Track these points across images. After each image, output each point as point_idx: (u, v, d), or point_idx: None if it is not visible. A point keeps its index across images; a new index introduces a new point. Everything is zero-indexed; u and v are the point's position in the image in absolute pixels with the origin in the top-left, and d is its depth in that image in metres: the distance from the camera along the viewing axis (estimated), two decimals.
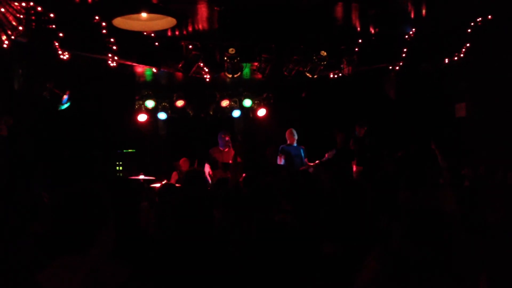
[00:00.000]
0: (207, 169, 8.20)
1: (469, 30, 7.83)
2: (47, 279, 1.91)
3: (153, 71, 8.53)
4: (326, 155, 8.51)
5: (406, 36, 8.17)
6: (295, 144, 8.58)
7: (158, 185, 8.31)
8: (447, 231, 2.20)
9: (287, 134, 8.64)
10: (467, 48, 8.34)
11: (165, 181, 7.20)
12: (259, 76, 8.68)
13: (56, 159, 8.06)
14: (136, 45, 7.66)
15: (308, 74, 8.58)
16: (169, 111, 10.39)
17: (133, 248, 2.76)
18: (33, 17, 5.84)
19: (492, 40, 7.82)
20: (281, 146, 8.55)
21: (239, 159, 7.31)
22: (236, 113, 10.76)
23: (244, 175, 7.75)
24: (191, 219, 2.76)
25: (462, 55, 8.47)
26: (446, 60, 8.76)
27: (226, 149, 8.26)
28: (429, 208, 2.31)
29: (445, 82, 9.24)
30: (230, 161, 8.14)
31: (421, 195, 4.10)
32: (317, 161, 8.53)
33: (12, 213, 3.44)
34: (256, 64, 8.46)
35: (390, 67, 9.06)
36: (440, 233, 2.18)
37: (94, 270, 1.91)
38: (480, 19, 7.54)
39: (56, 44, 6.58)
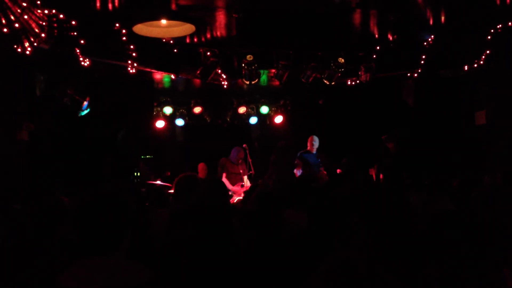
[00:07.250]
0: (224, 179, 8.25)
1: (489, 37, 7.74)
2: (68, 280, 1.93)
3: (171, 78, 8.60)
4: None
5: (425, 43, 8.09)
6: (314, 152, 8.49)
7: None
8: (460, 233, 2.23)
9: (308, 141, 8.56)
10: (487, 55, 8.24)
11: None
12: (277, 83, 8.66)
13: (75, 164, 8.14)
14: (155, 52, 7.73)
15: (325, 81, 8.53)
16: (187, 118, 10.47)
17: (145, 251, 2.77)
18: (55, 24, 5.91)
19: None
20: (300, 152, 8.47)
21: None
22: (253, 120, 10.78)
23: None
24: (208, 227, 2.76)
25: (482, 62, 8.37)
26: (466, 67, 8.67)
27: (240, 161, 8.47)
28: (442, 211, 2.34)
29: (464, 89, 9.13)
30: (241, 170, 8.32)
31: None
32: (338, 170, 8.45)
33: (33, 217, 3.47)
34: (273, 71, 8.44)
35: (409, 74, 8.98)
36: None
37: (115, 272, 1.92)
38: (500, 25, 7.45)
39: (77, 51, 6.66)
